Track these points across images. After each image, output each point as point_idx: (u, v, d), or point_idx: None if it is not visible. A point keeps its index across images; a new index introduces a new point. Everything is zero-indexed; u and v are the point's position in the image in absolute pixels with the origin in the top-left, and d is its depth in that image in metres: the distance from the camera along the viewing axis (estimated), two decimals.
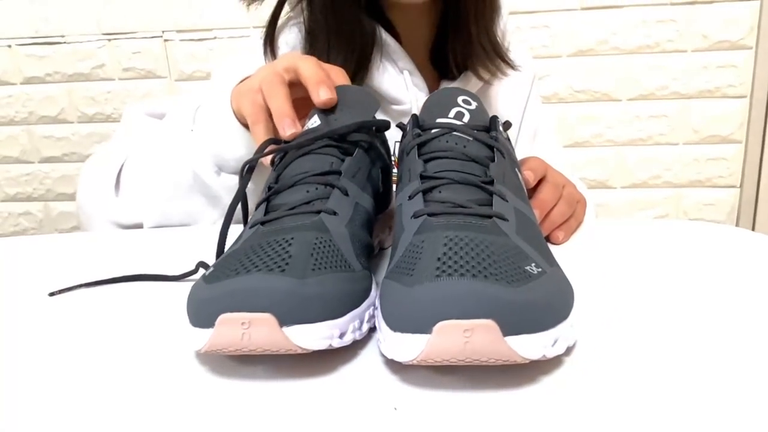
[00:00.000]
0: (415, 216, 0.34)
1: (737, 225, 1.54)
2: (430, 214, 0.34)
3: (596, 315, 0.35)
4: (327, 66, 0.48)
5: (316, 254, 0.31)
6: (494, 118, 0.42)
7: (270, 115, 0.46)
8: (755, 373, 0.29)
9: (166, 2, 1.48)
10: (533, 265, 0.31)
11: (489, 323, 0.26)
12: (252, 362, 0.31)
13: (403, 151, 0.41)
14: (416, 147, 0.39)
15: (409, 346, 0.27)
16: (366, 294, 0.34)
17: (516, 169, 0.41)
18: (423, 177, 0.37)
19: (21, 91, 1.59)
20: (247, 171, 0.42)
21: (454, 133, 0.39)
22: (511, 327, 0.26)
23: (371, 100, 0.43)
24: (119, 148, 0.63)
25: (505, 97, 0.77)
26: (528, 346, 0.27)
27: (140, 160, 0.60)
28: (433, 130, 0.40)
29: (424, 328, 0.26)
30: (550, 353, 0.28)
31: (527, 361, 0.27)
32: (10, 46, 1.55)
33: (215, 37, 1.49)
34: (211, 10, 1.47)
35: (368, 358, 0.32)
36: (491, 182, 0.36)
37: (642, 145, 1.48)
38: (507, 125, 0.44)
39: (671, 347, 0.31)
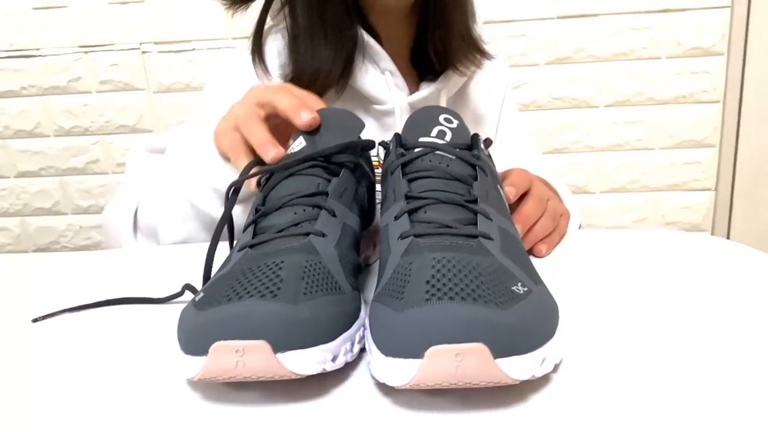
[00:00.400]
0: (402, 237, 0.35)
1: (713, 227, 1.57)
2: (417, 235, 0.34)
3: (580, 330, 0.36)
4: (300, 93, 0.49)
5: (306, 278, 0.32)
6: (475, 135, 0.42)
7: (251, 148, 0.47)
8: (741, 385, 0.30)
9: (144, 15, 1.47)
10: (519, 284, 0.31)
11: (480, 347, 0.26)
12: (244, 387, 0.31)
13: (387, 171, 0.41)
14: (400, 166, 0.40)
15: (402, 371, 0.27)
16: (356, 315, 0.34)
17: (498, 186, 0.42)
18: (408, 197, 0.37)
19: None
20: (232, 193, 0.42)
21: (437, 152, 0.40)
22: (500, 349, 0.27)
23: (356, 120, 0.44)
24: (131, 191, 0.65)
25: (481, 100, 0.80)
26: (518, 368, 0.27)
27: (150, 202, 0.61)
28: (416, 150, 0.40)
29: (416, 352, 0.27)
30: (539, 372, 0.28)
31: (517, 382, 0.28)
32: None
33: (194, 49, 1.48)
34: (189, 22, 1.46)
35: (360, 380, 0.32)
36: (475, 201, 0.37)
37: (620, 151, 1.50)
38: (488, 143, 0.45)
39: (654, 358, 0.32)
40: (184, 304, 0.33)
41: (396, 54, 0.70)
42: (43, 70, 1.52)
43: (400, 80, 0.70)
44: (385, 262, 0.35)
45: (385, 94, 0.69)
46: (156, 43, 1.48)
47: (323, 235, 0.36)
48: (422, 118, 0.43)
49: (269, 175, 0.41)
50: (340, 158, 0.41)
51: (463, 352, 0.26)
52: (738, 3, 1.38)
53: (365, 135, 0.46)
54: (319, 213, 0.37)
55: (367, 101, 0.69)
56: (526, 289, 0.31)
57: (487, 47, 0.75)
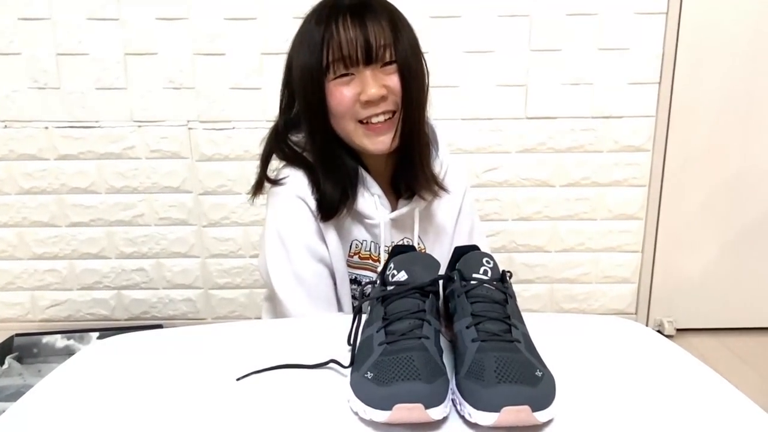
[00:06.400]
0: (473, 341, 0.61)
1: (640, 280, 1.89)
2: (482, 340, 0.60)
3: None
4: None
5: (428, 365, 0.57)
6: (504, 272, 0.69)
7: None
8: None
9: (193, 98, 1.69)
10: (538, 371, 0.57)
11: (527, 408, 0.52)
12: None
13: (454, 293, 0.67)
14: (464, 293, 0.66)
15: (487, 418, 0.53)
16: (449, 383, 0.59)
17: (516, 303, 0.69)
18: (473, 314, 0.63)
19: (55, 166, 1.74)
20: (357, 311, 0.67)
21: (485, 284, 0.66)
22: (535, 407, 0.53)
23: (435, 262, 0.70)
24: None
25: (442, 211, 1.02)
26: (543, 416, 0.53)
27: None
28: (472, 282, 0.67)
29: (496, 409, 0.52)
30: (551, 416, 0.55)
31: (541, 423, 0.54)
32: (47, 128, 1.71)
33: (234, 128, 1.71)
34: (230, 105, 1.70)
35: (454, 419, 0.57)
36: (509, 317, 0.63)
37: (570, 220, 1.81)
38: (509, 275, 0.71)
39: (597, 410, 0.59)
40: (327, 369, 0.58)
41: (380, 180, 0.94)
42: (100, 139, 1.72)
43: (385, 201, 0.94)
44: (463, 354, 0.60)
45: (373, 212, 0.93)
46: (201, 121, 1.71)
47: (427, 338, 0.61)
48: (473, 259, 0.69)
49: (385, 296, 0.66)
50: (429, 288, 0.66)
51: (519, 409, 0.52)
52: (661, 111, 1.72)
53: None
54: (423, 323, 0.63)
55: (361, 216, 0.94)
56: (542, 373, 0.57)
57: (448, 162, 0.99)
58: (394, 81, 0.86)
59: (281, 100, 0.94)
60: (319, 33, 0.83)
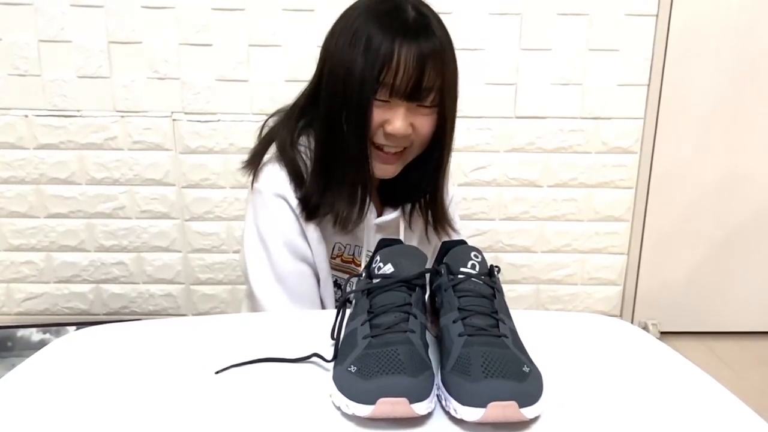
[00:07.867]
0: (460, 335, 0.59)
1: (625, 282, 1.90)
2: (469, 335, 0.59)
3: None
4: None
5: (414, 359, 0.56)
6: (492, 266, 0.68)
7: None
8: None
9: (177, 89, 1.66)
10: (525, 366, 0.56)
11: (513, 403, 0.51)
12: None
13: (441, 287, 0.66)
14: (451, 287, 0.65)
15: (473, 413, 0.52)
16: (435, 378, 0.58)
17: (503, 298, 0.68)
18: (459, 309, 0.62)
19: (34, 155, 1.70)
20: (341, 304, 0.65)
21: (472, 279, 0.65)
22: (522, 403, 0.52)
23: (423, 255, 0.69)
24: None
25: None
26: (530, 412, 0.52)
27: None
28: (460, 276, 0.65)
29: (482, 404, 0.51)
30: (538, 413, 0.54)
31: (528, 419, 0.53)
32: (26, 116, 1.67)
33: (219, 120, 1.69)
34: (216, 97, 1.67)
35: (438, 414, 0.56)
36: (496, 312, 0.62)
37: (557, 221, 1.81)
38: (497, 270, 0.70)
39: (584, 407, 0.58)
40: (309, 364, 0.57)
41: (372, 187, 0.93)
42: (81, 129, 1.68)
43: (372, 207, 0.93)
44: (450, 349, 0.59)
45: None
46: (186, 113, 1.68)
47: (413, 332, 0.60)
48: (461, 253, 0.68)
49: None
50: (416, 281, 0.65)
51: (505, 405, 0.51)
52: (649, 115, 1.73)
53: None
54: (408, 317, 0.61)
55: None
56: (529, 369, 0.56)
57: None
58: (423, 123, 0.86)
59: (310, 90, 0.90)
60: (382, 45, 0.79)
